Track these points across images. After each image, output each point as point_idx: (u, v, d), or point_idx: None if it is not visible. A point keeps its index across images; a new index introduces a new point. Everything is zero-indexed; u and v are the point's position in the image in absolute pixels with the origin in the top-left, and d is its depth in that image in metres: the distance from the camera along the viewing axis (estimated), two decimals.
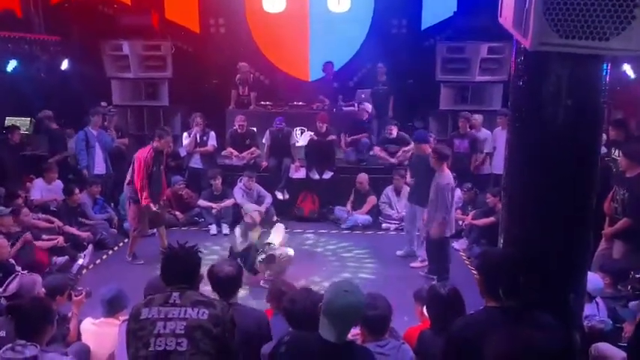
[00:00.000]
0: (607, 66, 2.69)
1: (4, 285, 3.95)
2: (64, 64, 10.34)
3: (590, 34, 2.15)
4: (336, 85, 11.08)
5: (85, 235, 7.78)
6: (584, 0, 2.15)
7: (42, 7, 10.40)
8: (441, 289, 3.54)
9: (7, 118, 9.08)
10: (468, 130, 9.57)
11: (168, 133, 7.56)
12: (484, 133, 9.61)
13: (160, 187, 7.59)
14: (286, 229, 7.64)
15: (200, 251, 2.95)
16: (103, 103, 10.16)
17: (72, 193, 8.10)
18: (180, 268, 2.83)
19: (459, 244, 8.23)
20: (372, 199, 9.33)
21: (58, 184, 8.36)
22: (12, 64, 9.16)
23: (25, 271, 4.37)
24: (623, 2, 2.11)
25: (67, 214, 7.97)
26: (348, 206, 9.40)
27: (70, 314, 4.32)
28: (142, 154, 7.24)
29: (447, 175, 6.80)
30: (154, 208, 7.32)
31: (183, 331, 2.65)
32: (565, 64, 2.55)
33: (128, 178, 7.36)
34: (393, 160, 9.74)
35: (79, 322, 4.27)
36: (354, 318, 2.64)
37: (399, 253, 7.94)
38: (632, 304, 4.60)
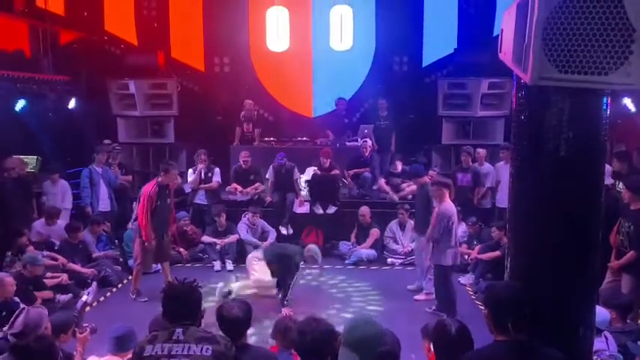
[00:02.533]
0: (607, 99, 2.72)
1: (11, 321, 3.91)
2: (72, 103, 10.49)
3: (589, 69, 2.18)
4: (347, 121, 11.18)
5: (89, 272, 7.76)
6: (582, 36, 2.19)
7: (51, 47, 10.61)
8: (449, 325, 3.46)
9: (14, 156, 9.13)
10: (471, 163, 9.61)
11: (173, 167, 7.60)
12: (487, 167, 9.65)
13: (167, 221, 7.61)
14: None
15: (200, 287, 2.93)
16: (107, 141, 10.26)
17: (77, 230, 8.11)
18: (181, 305, 2.82)
19: (465, 279, 8.17)
20: (374, 232, 9.30)
21: (59, 225, 8.37)
22: (20, 104, 9.29)
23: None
24: (620, 38, 2.15)
25: (69, 251, 7.95)
26: (352, 239, 9.37)
27: (74, 352, 4.26)
28: (147, 188, 7.30)
29: (448, 205, 6.88)
30: (152, 244, 7.30)
31: None
32: (565, 98, 2.58)
33: (134, 214, 7.38)
34: (395, 198, 9.75)
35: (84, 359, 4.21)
36: (374, 348, 2.60)
37: (409, 287, 7.89)
38: None
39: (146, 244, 7.27)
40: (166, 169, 7.42)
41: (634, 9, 2.09)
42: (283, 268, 7.06)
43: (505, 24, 2.69)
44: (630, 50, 2.11)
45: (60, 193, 8.93)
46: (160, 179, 7.36)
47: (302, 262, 7.18)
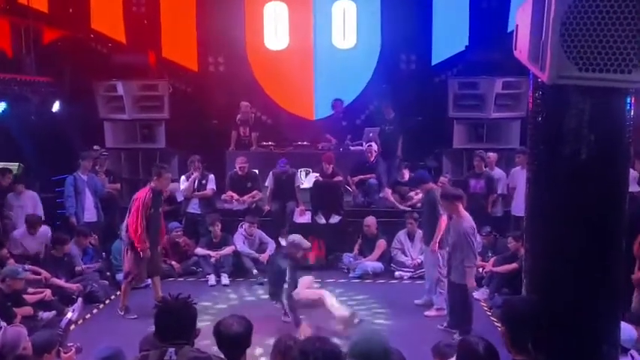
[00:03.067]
0: (631, 99, 2.72)
1: None
2: (56, 106, 10.52)
3: (611, 67, 2.19)
4: (345, 124, 11.20)
5: (74, 287, 7.75)
6: (603, 31, 2.19)
7: (33, 46, 10.66)
8: (477, 345, 3.40)
9: None
10: (484, 169, 9.60)
11: (166, 170, 7.59)
12: (497, 172, 9.67)
13: (159, 231, 7.61)
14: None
15: (195, 303, 2.92)
16: (96, 147, 10.27)
17: (63, 242, 8.10)
18: (175, 323, 2.81)
19: (479, 294, 8.11)
20: (381, 244, 9.29)
21: (44, 231, 8.35)
22: (1, 107, 9.32)
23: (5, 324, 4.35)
24: None
25: (53, 265, 7.95)
26: (356, 250, 9.37)
27: None
28: (141, 194, 7.30)
29: (466, 218, 6.69)
30: (147, 255, 7.28)
31: None
32: (586, 98, 2.58)
33: (124, 224, 7.39)
34: (401, 207, 9.75)
35: None
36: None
37: (417, 302, 7.87)
38: None
39: (141, 254, 7.24)
40: (159, 172, 7.42)
41: None
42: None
43: (520, 19, 2.70)
44: None
45: (27, 206, 8.66)
46: (153, 184, 7.36)
47: (288, 262, 7.03)
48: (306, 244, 7.20)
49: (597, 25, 2.16)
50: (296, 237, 7.20)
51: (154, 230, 7.40)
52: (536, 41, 2.36)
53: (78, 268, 8.22)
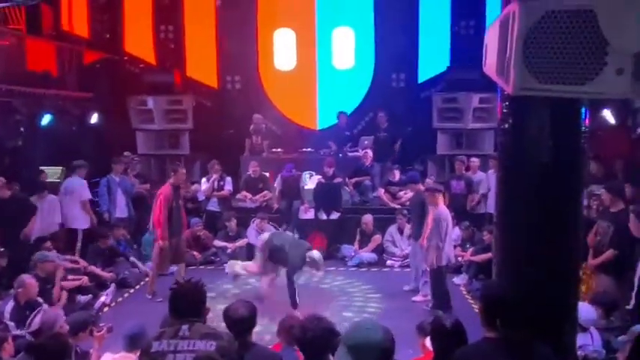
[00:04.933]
0: (585, 110, 2.69)
1: (28, 321, 3.90)
2: (94, 118, 10.55)
3: (567, 79, 2.15)
4: (349, 133, 11.15)
5: (108, 275, 7.72)
6: (560, 49, 2.16)
7: (75, 67, 10.70)
8: (445, 321, 3.41)
9: (40, 167, 9.18)
10: (464, 172, 9.57)
11: (181, 167, 7.69)
12: (479, 175, 9.61)
13: (181, 222, 7.60)
14: None
15: (205, 285, 2.90)
16: (127, 153, 10.27)
17: (105, 237, 8.10)
18: (187, 303, 2.79)
19: (459, 279, 8.10)
20: (376, 238, 9.25)
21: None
22: (47, 119, 9.34)
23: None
24: (595, 51, 2.12)
25: (94, 255, 7.93)
26: (356, 245, 9.32)
27: (91, 350, 4.23)
28: (164, 190, 7.32)
29: (441, 208, 6.94)
30: (166, 244, 7.23)
31: None
32: (546, 107, 2.56)
33: (151, 218, 7.40)
34: (393, 205, 9.71)
35: (100, 356, 4.18)
36: (372, 354, 2.51)
37: (405, 288, 7.82)
38: (621, 337, 4.44)
39: (160, 242, 7.21)
40: (175, 169, 7.55)
41: (607, 23, 2.06)
42: (276, 259, 7.04)
43: (489, 39, 2.67)
44: (604, 62, 2.09)
45: (44, 209, 8.07)
46: (171, 180, 7.40)
47: (302, 265, 6.97)
48: (321, 267, 7.11)
49: (555, 42, 2.14)
50: (319, 258, 7.01)
51: (176, 221, 7.37)
52: (501, 57, 2.34)
53: (131, 259, 8.30)
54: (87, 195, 8.58)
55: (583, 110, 2.64)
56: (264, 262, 7.19)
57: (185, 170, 7.84)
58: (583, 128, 2.69)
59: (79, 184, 8.50)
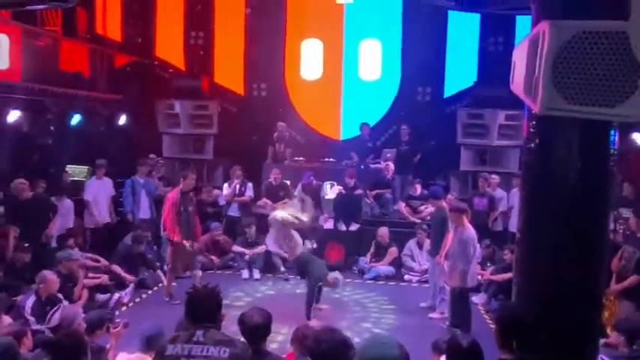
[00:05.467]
0: (615, 132, 2.63)
1: (48, 316, 3.96)
2: (122, 120, 10.72)
3: (597, 101, 2.12)
4: (371, 145, 11.12)
5: (130, 277, 7.78)
6: (590, 69, 2.13)
7: (106, 69, 10.91)
8: (462, 340, 3.35)
9: (68, 165, 9.36)
10: (487, 189, 9.45)
11: (191, 172, 7.72)
12: (499, 192, 9.51)
13: (191, 228, 7.52)
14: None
15: (221, 292, 2.90)
16: (152, 155, 10.41)
17: (141, 242, 8.15)
18: (203, 308, 2.78)
19: (478, 299, 7.95)
20: (393, 251, 9.17)
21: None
22: (76, 119, 9.53)
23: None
24: (627, 73, 2.08)
25: (122, 258, 7.97)
26: (368, 258, 9.25)
27: (107, 345, 4.27)
28: (172, 195, 7.40)
29: (468, 229, 6.69)
30: (187, 245, 7.29)
31: None
32: (574, 128, 2.51)
33: (162, 222, 7.47)
34: (413, 219, 9.63)
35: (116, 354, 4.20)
36: None
37: (422, 304, 7.70)
38: None
39: (176, 240, 7.23)
40: (185, 175, 7.58)
41: (639, 46, 2.02)
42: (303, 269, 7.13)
43: (517, 57, 2.64)
44: (636, 84, 2.04)
45: (63, 214, 8.15)
46: (181, 186, 7.43)
47: (320, 282, 7.01)
48: (340, 285, 7.27)
49: (585, 63, 2.10)
50: (340, 279, 7.18)
51: (185, 226, 7.36)
52: (530, 76, 2.30)
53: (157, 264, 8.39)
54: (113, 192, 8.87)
55: (612, 132, 2.57)
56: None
57: (195, 176, 7.83)
58: (612, 151, 2.62)
59: (109, 183, 8.86)
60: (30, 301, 5.38)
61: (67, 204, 8.29)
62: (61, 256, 6.48)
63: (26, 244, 6.76)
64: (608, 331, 5.36)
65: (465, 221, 6.73)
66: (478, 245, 8.32)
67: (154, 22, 12.06)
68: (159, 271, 8.37)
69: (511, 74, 2.74)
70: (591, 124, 2.40)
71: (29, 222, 7.27)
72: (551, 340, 2.60)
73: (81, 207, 8.83)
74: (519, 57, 2.57)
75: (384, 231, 9.25)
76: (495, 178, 9.58)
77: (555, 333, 2.64)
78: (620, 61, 2.05)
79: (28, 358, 3.68)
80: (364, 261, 9.28)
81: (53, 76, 9.16)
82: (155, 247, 9.01)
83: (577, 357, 2.75)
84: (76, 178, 9.38)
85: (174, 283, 7.62)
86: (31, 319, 5.23)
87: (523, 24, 10.08)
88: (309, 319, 6.60)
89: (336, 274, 7.15)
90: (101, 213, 8.92)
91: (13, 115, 8.30)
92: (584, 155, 2.62)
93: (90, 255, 7.65)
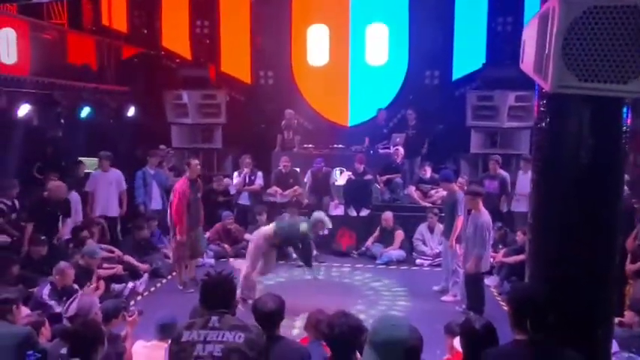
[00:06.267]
0: (627, 109, 2.59)
1: (66, 306, 4.02)
2: (131, 111, 10.76)
3: (608, 77, 2.08)
4: (386, 131, 11.05)
5: (143, 266, 7.85)
6: (601, 45, 2.09)
7: (114, 61, 10.94)
8: (476, 322, 3.36)
9: (78, 157, 9.43)
10: (498, 171, 9.39)
11: (194, 159, 7.69)
12: (502, 174, 9.44)
13: (198, 215, 7.61)
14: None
15: (235, 278, 2.92)
16: (162, 146, 10.45)
17: (141, 228, 8.27)
18: (217, 294, 2.81)
19: (490, 281, 7.94)
20: (399, 234, 9.18)
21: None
22: (85, 111, 9.57)
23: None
24: (639, 48, 2.04)
25: (131, 247, 8.12)
26: (370, 241, 9.25)
27: (122, 333, 4.34)
28: (180, 185, 7.38)
29: (484, 214, 6.66)
30: (184, 239, 7.32)
31: (220, 354, 2.61)
32: (585, 106, 2.47)
33: (169, 212, 7.48)
34: (424, 203, 9.62)
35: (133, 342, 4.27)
36: (397, 351, 2.49)
37: (435, 288, 7.71)
38: None
39: (178, 237, 7.31)
40: (188, 163, 7.57)
41: None
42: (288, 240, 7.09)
43: (527, 35, 2.61)
44: None
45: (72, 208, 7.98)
46: (187, 174, 7.43)
47: (311, 233, 6.99)
48: (328, 223, 7.15)
49: (596, 39, 2.07)
50: (323, 217, 7.10)
51: (194, 214, 7.42)
52: (540, 54, 2.27)
53: (164, 250, 8.42)
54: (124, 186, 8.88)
55: (625, 109, 2.54)
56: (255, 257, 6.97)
57: (198, 162, 7.81)
58: (625, 128, 2.59)
59: (120, 175, 8.85)
60: (46, 290, 5.50)
61: (74, 198, 8.22)
62: (85, 252, 6.53)
63: (43, 237, 6.83)
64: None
65: (481, 205, 6.69)
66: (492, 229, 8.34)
67: (159, 12, 12.06)
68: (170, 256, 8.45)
69: (521, 53, 2.71)
70: (603, 101, 2.37)
71: (44, 219, 7.21)
72: (561, 321, 2.59)
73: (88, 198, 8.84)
74: (529, 35, 2.53)
75: (388, 215, 9.26)
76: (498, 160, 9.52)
77: (566, 314, 2.64)
78: (632, 36, 2.02)
79: (46, 348, 3.74)
80: (376, 247, 9.27)
81: (61, 69, 9.21)
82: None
83: (588, 339, 2.74)
84: (88, 171, 9.43)
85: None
86: (52, 302, 5.35)
87: (532, 3, 9.96)
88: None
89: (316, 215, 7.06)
90: (104, 205, 8.78)
91: (24, 109, 8.35)
92: (596, 133, 2.58)
93: (104, 246, 7.72)
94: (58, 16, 9.79)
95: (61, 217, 7.43)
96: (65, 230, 7.64)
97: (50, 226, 7.21)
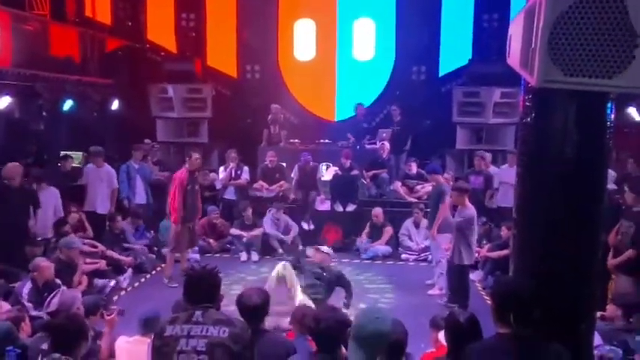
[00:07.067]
0: (612, 104, 2.61)
1: (47, 301, 3.96)
2: (115, 104, 10.63)
3: (594, 72, 2.09)
4: (366, 126, 11.07)
5: (126, 260, 7.79)
6: (587, 40, 2.10)
7: (97, 53, 10.79)
8: (460, 316, 3.38)
9: (62, 152, 9.29)
10: (483, 167, 9.45)
11: (194, 152, 7.78)
12: (492, 169, 9.52)
13: (196, 207, 7.72)
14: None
15: (219, 272, 2.90)
16: (147, 140, 10.35)
17: (114, 220, 8.21)
18: (201, 288, 2.78)
19: (474, 275, 7.99)
20: (388, 230, 9.20)
21: None
22: (68, 104, 9.43)
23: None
24: (624, 43, 2.05)
25: (110, 239, 8.03)
26: (363, 236, 9.28)
27: (104, 330, 4.28)
28: (180, 174, 7.48)
29: (469, 208, 6.84)
30: (180, 229, 7.37)
31: (204, 349, 2.58)
32: (571, 101, 2.48)
33: (168, 202, 7.52)
34: (409, 199, 9.65)
35: (114, 339, 4.22)
36: (382, 344, 2.52)
37: (428, 282, 7.72)
38: (638, 338, 4.37)
39: (174, 226, 7.37)
40: (189, 155, 7.68)
41: (637, 15, 1.99)
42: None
43: (513, 29, 2.61)
44: (633, 54, 2.02)
45: (49, 203, 7.65)
46: (187, 165, 7.53)
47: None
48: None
49: (582, 33, 2.07)
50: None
51: (191, 206, 7.49)
52: (526, 48, 2.28)
53: (126, 245, 8.20)
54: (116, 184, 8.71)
55: (609, 105, 2.55)
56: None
57: (199, 156, 7.86)
58: (609, 124, 2.61)
59: (113, 173, 8.69)
60: (26, 288, 5.38)
61: (51, 192, 7.81)
62: (61, 243, 6.44)
63: (38, 239, 6.70)
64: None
65: (467, 201, 6.86)
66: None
67: (144, 4, 11.92)
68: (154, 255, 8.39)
69: (507, 48, 2.71)
70: (588, 96, 2.37)
71: (11, 211, 6.95)
72: (545, 315, 2.61)
73: (82, 193, 8.68)
74: (516, 29, 2.54)
75: (378, 211, 9.27)
76: (487, 156, 9.58)
77: (550, 309, 2.65)
78: (617, 31, 2.03)
79: (27, 343, 3.68)
80: (360, 240, 9.30)
81: (43, 60, 9.05)
82: (152, 232, 9.00)
83: (571, 333, 2.77)
84: (75, 165, 9.30)
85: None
86: (29, 305, 5.23)
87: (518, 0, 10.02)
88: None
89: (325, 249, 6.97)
90: (97, 200, 8.59)
91: (5, 101, 8.20)
92: (581, 128, 2.59)
93: (88, 241, 7.63)
94: (40, 6, 9.59)
95: (31, 209, 7.20)
96: (38, 223, 7.27)
97: (16, 215, 6.94)
